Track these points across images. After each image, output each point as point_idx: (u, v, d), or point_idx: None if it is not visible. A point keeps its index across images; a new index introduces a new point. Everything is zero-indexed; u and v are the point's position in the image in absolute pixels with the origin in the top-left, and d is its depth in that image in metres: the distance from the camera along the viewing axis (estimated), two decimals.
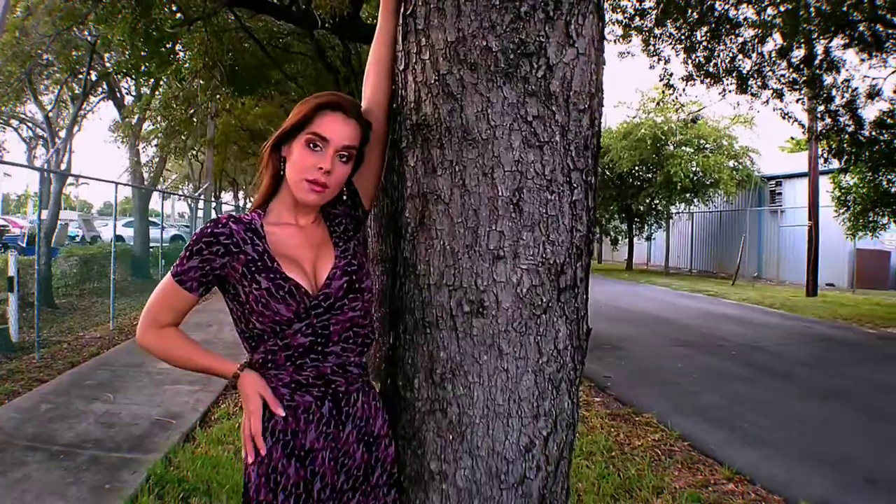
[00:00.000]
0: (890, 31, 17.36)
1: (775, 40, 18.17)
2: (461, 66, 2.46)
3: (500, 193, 2.47)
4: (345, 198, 2.88)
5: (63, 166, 21.17)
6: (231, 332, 11.98)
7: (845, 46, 17.90)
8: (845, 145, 19.82)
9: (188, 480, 6.60)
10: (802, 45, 18.36)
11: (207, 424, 8.57)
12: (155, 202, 30.56)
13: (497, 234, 2.48)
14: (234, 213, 2.80)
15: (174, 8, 13.67)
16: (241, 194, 52.18)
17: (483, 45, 2.43)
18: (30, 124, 31.17)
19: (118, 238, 17.83)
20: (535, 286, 2.52)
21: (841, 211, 25.63)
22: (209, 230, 2.61)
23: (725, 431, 8.98)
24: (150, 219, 29.90)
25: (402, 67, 2.68)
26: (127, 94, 26.16)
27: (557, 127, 2.48)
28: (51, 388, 9.84)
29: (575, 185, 2.53)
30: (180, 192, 40.80)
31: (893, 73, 19.04)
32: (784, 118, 19.40)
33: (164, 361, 2.78)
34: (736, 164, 37.32)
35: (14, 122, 30.14)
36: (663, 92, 22.28)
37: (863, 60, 18.26)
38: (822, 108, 19.10)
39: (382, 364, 2.99)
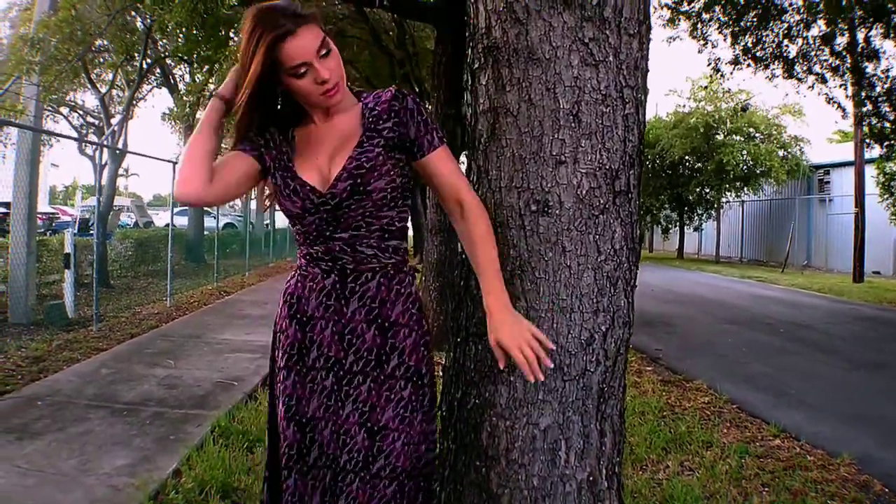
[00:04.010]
0: None
1: (819, 26, 18.13)
2: None
3: (561, 106, 2.75)
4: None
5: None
6: None
7: (884, 36, 17.82)
8: (888, 132, 19.76)
9: (251, 433, 6.71)
10: (846, 33, 18.32)
11: (268, 387, 8.65)
12: None
13: (559, 141, 2.76)
14: None
15: None
16: None
17: None
18: (80, 112, 31.21)
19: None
20: (593, 188, 2.79)
21: (885, 197, 25.49)
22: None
23: (772, 396, 9.10)
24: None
25: None
26: (181, 80, 26.36)
27: (611, 48, 2.76)
28: (110, 356, 9.89)
29: (627, 100, 2.81)
30: None
31: None
32: (829, 103, 19.33)
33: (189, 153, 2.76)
34: (786, 152, 37.06)
35: (64, 111, 30.11)
36: (711, 77, 22.31)
37: None
38: (863, 94, 18.99)
39: (456, 269, 3.24)
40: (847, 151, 32.69)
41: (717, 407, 8.49)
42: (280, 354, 2.88)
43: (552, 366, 2.79)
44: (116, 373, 8.87)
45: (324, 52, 2.64)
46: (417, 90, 15.80)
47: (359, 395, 2.75)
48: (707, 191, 40.06)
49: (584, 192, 2.79)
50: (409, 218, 2.88)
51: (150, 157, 24.71)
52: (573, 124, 2.75)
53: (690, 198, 40.62)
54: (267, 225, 36.70)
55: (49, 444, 6.23)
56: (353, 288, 2.77)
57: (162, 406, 7.54)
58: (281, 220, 40.06)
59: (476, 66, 2.97)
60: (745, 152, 36.75)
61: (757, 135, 37.64)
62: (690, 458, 6.74)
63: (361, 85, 17.67)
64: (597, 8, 2.73)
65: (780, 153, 36.81)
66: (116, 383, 8.38)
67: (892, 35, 17.52)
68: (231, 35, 15.01)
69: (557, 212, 2.79)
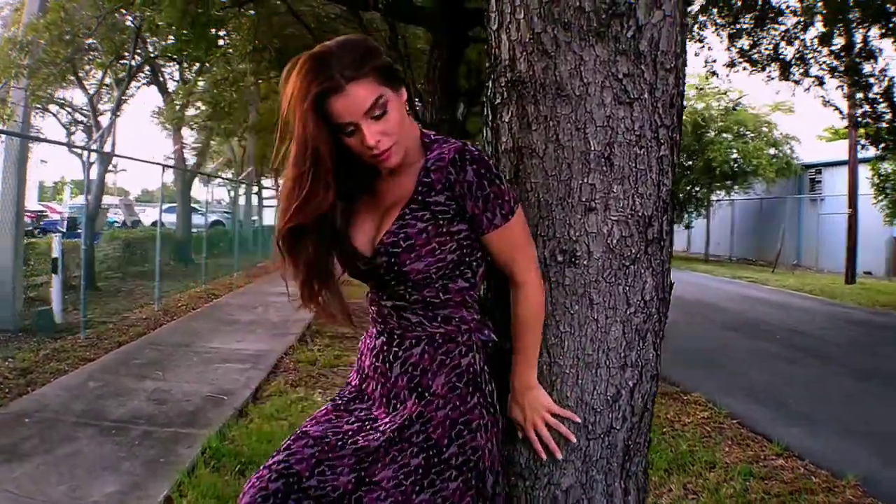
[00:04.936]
0: None
1: (817, 28, 18.12)
2: (555, 26, 2.51)
3: (592, 148, 2.52)
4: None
5: (106, 150, 21.11)
6: (275, 313, 12.11)
7: (882, 36, 17.78)
8: (883, 133, 19.72)
9: (244, 454, 6.55)
10: (842, 34, 18.29)
11: (260, 401, 8.55)
12: (193, 190, 30.46)
13: (589, 186, 2.53)
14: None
15: None
16: (280, 181, 51.91)
17: (576, 5, 2.48)
18: (69, 109, 30.97)
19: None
20: (625, 237, 2.57)
21: (879, 198, 25.49)
22: None
23: (771, 409, 9.03)
24: (192, 205, 29.84)
25: (495, 27, 2.72)
26: (170, 78, 26.19)
27: (646, 85, 2.53)
28: (98, 367, 9.72)
29: (662, 141, 2.59)
30: (221, 176, 40.50)
31: None
32: (825, 105, 19.39)
33: None
34: (776, 151, 37.13)
35: (53, 108, 29.87)
36: (706, 78, 22.31)
37: None
38: (860, 95, 18.99)
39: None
40: (838, 150, 32.88)
41: (718, 422, 8.40)
42: (339, 392, 2.78)
43: (574, 441, 2.65)
44: (104, 386, 8.70)
45: (377, 113, 2.35)
46: (409, 91, 15.73)
47: (366, 447, 2.50)
48: (697, 189, 40.08)
49: (614, 241, 2.57)
50: (473, 287, 2.59)
51: (139, 160, 24.57)
52: (604, 167, 2.53)
53: (680, 196, 40.59)
54: (255, 221, 36.55)
55: (38, 468, 6.08)
56: (396, 353, 2.59)
57: (151, 424, 7.37)
58: (269, 218, 39.78)
59: (498, 101, 2.73)
60: (733, 150, 36.79)
61: (747, 133, 37.68)
62: (693, 480, 6.64)
63: None
64: (632, 41, 2.51)
65: (771, 151, 36.86)
66: (104, 398, 8.20)
67: (890, 34, 17.48)
68: (221, 35, 14.89)
69: (585, 262, 2.58)
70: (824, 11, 16.86)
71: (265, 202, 41.28)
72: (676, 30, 2.59)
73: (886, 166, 24.57)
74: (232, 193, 35.96)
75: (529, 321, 2.57)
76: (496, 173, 2.44)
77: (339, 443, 2.52)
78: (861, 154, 27.03)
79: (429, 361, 2.55)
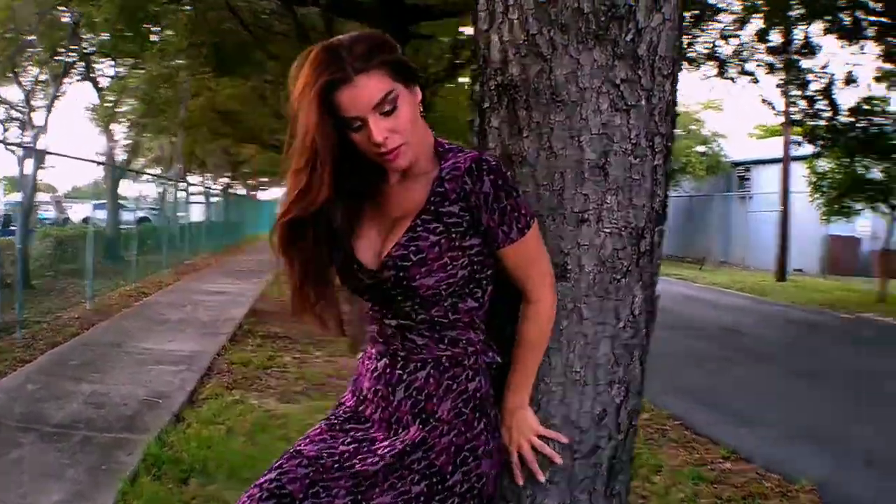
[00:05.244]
0: (871, 19, 17.33)
1: (755, 25, 18.23)
2: (552, 27, 2.39)
3: (586, 157, 2.41)
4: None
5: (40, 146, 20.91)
6: (205, 311, 11.97)
7: (826, 32, 17.92)
8: (821, 131, 19.88)
9: (184, 461, 6.40)
10: (781, 30, 18.41)
11: (196, 404, 8.42)
12: (121, 187, 30.05)
13: (582, 197, 2.42)
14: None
15: None
16: (208, 175, 51.46)
17: (575, 6, 2.36)
18: (6, 106, 30.48)
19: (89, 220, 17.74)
20: (617, 250, 2.47)
21: (816, 196, 25.80)
22: None
23: (713, 410, 9.09)
24: (119, 201, 29.46)
25: (484, 27, 2.58)
26: (101, 75, 25.84)
27: (643, 91, 2.43)
28: (35, 368, 9.57)
29: (657, 149, 2.49)
30: (149, 173, 39.95)
31: (876, 59, 18.95)
32: (763, 102, 19.64)
33: None
34: (706, 148, 37.58)
35: None
36: None
37: (842, 47, 18.30)
38: (798, 92, 19.13)
39: None
40: (768, 148, 33.34)
41: (660, 424, 8.41)
42: (332, 412, 2.62)
43: (560, 462, 2.54)
44: (42, 388, 8.55)
45: (386, 108, 2.22)
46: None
47: (364, 472, 2.37)
48: None
49: (606, 253, 2.47)
50: (482, 307, 2.46)
51: (74, 157, 24.17)
52: (598, 177, 2.42)
53: None
54: (181, 218, 36.12)
55: None
56: (400, 376, 2.44)
57: (90, 429, 7.20)
58: (196, 214, 39.32)
59: (486, 105, 2.59)
60: None
61: (677, 131, 38.20)
62: (641, 484, 6.55)
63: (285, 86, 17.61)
64: (630, 44, 2.39)
65: (700, 149, 37.29)
66: (43, 401, 8.04)
67: (833, 30, 17.61)
68: (155, 31, 14.77)
69: (576, 276, 2.47)
70: (765, 9, 16.95)
71: (192, 198, 40.93)
72: (675, 34, 2.49)
73: (823, 163, 24.75)
74: (160, 190, 35.55)
75: (537, 339, 2.47)
76: (513, 185, 2.33)
77: (335, 464, 2.38)
78: (795, 152, 27.32)
79: (434, 386, 2.41)
